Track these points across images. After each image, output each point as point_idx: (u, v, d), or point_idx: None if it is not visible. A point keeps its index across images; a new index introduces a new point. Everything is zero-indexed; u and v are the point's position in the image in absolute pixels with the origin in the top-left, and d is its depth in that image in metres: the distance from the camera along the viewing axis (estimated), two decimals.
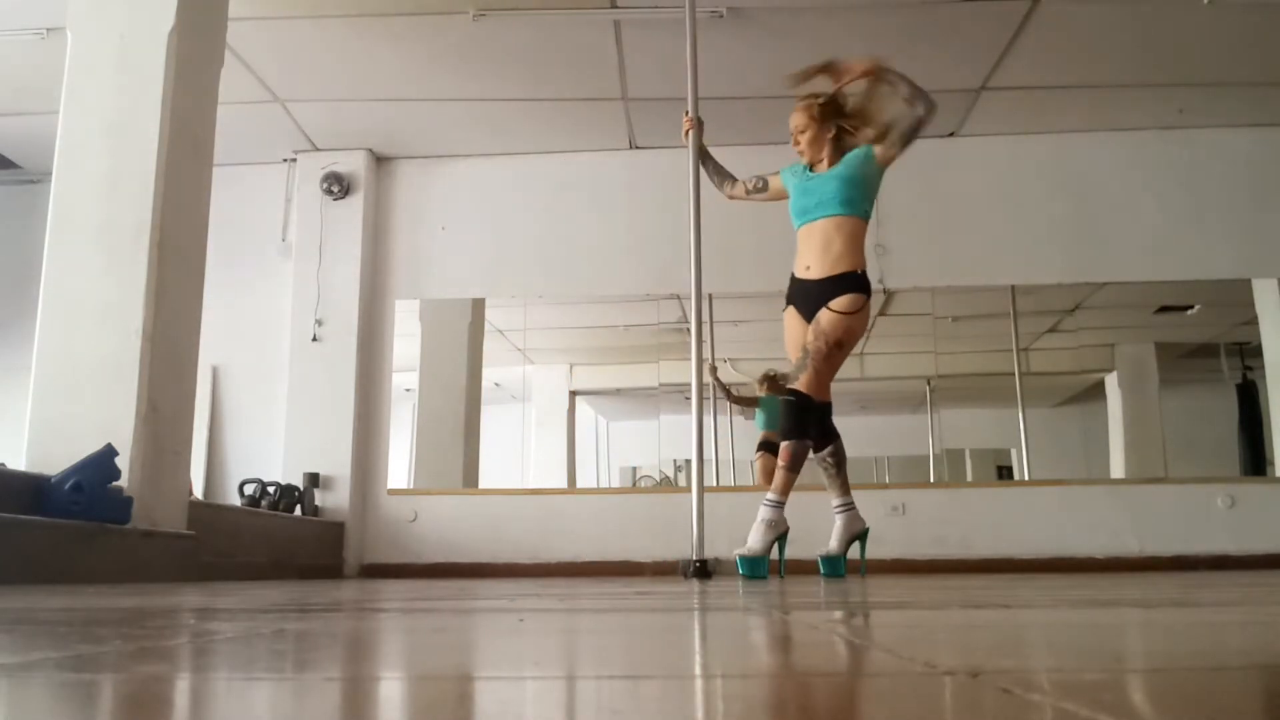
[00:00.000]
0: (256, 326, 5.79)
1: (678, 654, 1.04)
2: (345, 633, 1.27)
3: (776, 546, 3.47)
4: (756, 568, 3.38)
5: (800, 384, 3.43)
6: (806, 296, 3.50)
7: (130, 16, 3.55)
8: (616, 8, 4.53)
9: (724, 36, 4.67)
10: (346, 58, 4.92)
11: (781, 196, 3.72)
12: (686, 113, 3.91)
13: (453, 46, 4.81)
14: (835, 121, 3.55)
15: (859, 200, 3.49)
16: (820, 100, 3.59)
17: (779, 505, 3.43)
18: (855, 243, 3.47)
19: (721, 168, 3.92)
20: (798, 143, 3.61)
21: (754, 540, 3.40)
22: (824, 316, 3.43)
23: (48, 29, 4.49)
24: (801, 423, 3.41)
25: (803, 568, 5.18)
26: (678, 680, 0.79)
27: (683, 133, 3.92)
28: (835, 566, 3.64)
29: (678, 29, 4.17)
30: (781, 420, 3.46)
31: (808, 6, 4.51)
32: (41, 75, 4.61)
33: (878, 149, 3.48)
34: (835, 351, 3.43)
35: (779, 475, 3.42)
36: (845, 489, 3.65)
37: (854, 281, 3.43)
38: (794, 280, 3.58)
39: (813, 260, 3.49)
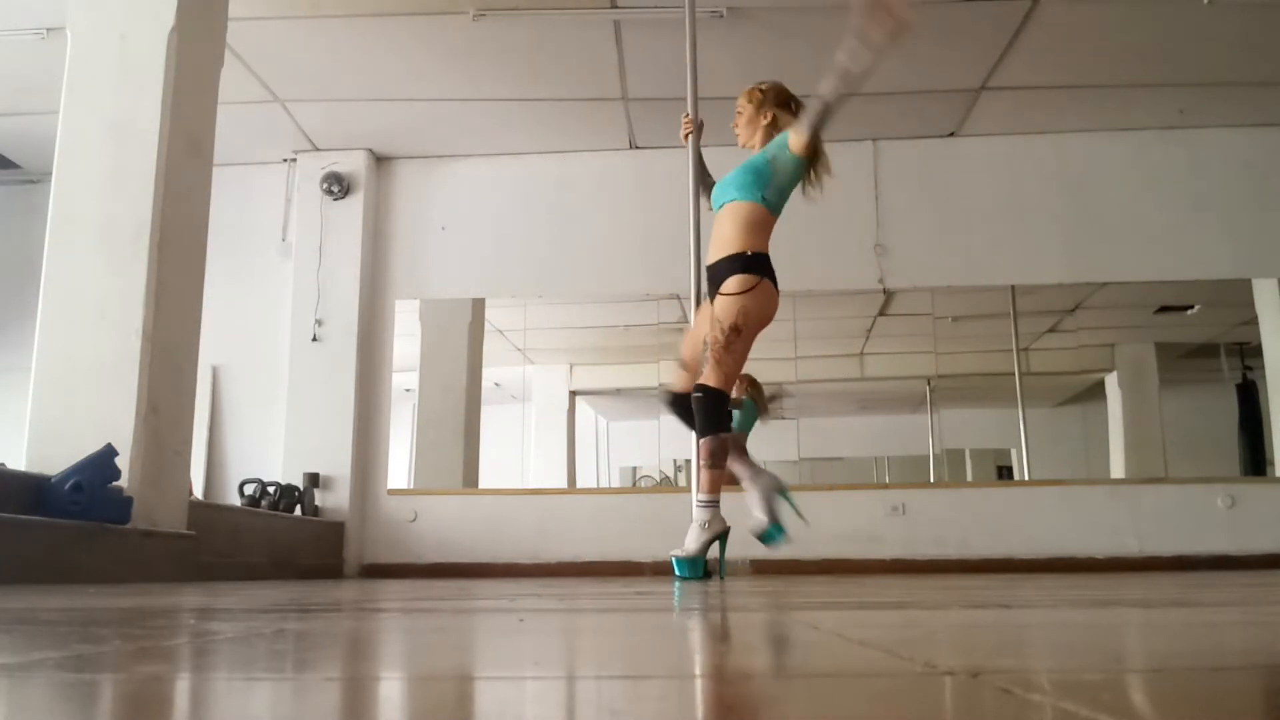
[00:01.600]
0: (256, 326, 5.79)
1: (677, 654, 1.04)
2: (345, 633, 1.27)
3: (717, 546, 3.40)
4: (694, 569, 3.32)
5: (705, 379, 3.31)
6: (710, 285, 3.40)
7: (130, 16, 3.54)
8: (616, 8, 4.53)
9: (724, 36, 4.67)
10: (346, 58, 4.92)
11: None
12: (686, 114, 3.88)
13: (453, 46, 4.81)
14: (774, 110, 3.45)
15: (754, 186, 3.34)
16: (763, 85, 3.51)
17: (713, 504, 3.33)
18: (748, 227, 3.33)
19: (708, 179, 3.78)
20: (736, 125, 3.53)
21: (690, 542, 3.32)
22: (718, 303, 3.30)
23: (48, 29, 4.49)
24: (713, 419, 3.30)
25: (802, 568, 5.18)
26: (678, 680, 0.79)
27: (682, 135, 3.89)
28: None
29: (678, 29, 4.17)
30: (696, 418, 3.34)
31: (808, 6, 4.51)
32: (41, 75, 4.61)
33: (791, 133, 3.32)
34: (734, 338, 3.27)
35: (704, 475, 3.33)
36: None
37: (741, 261, 3.29)
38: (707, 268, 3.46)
39: (712, 248, 3.40)
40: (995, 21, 4.62)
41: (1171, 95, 5.34)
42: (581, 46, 4.84)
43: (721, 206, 3.43)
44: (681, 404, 3.44)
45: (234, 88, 4.52)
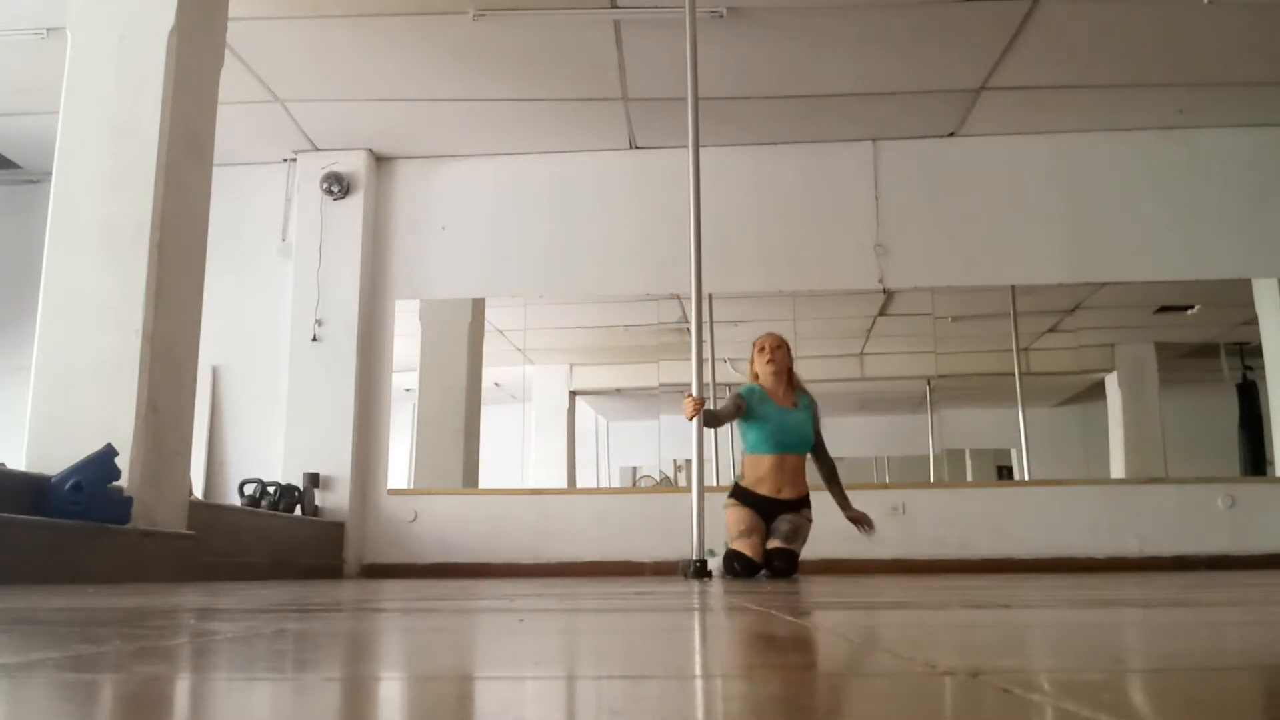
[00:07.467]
0: (256, 326, 5.78)
1: (677, 654, 1.04)
2: (345, 633, 1.27)
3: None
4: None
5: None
6: (775, 509, 3.98)
7: (130, 16, 3.54)
8: (616, 8, 4.52)
9: (724, 36, 4.67)
10: (346, 58, 4.92)
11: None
12: (689, 394, 3.93)
13: (453, 47, 4.81)
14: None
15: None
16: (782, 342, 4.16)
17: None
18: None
19: (724, 413, 4.08)
20: (774, 359, 4.05)
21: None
22: (800, 523, 4.02)
23: (48, 29, 4.49)
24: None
25: (802, 567, 5.17)
26: (677, 680, 0.79)
27: (686, 416, 3.95)
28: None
29: (678, 29, 4.17)
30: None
31: (808, 6, 4.51)
32: (41, 75, 4.60)
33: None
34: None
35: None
36: None
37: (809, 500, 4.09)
38: (758, 497, 4.00)
39: (786, 486, 4.01)
40: (995, 21, 4.61)
41: (1171, 95, 5.34)
42: (581, 46, 4.84)
43: (793, 454, 4.04)
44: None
45: (234, 88, 4.52)
